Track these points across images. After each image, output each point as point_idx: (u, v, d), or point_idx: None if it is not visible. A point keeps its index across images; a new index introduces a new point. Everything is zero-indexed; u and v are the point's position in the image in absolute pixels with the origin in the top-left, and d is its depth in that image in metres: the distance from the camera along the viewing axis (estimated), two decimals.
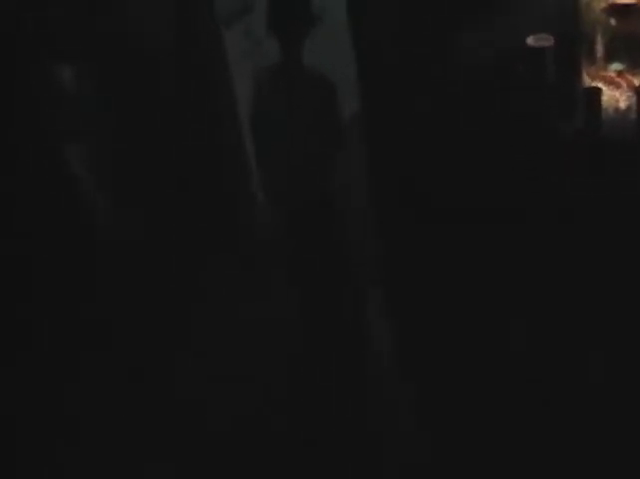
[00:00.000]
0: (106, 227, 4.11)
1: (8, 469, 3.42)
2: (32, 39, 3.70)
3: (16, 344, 3.60)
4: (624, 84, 3.28)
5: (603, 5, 3.30)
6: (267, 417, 3.66)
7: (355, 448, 3.57)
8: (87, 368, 3.72)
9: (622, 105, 3.24)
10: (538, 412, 3.35)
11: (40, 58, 3.77)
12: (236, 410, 3.71)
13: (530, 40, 3.22)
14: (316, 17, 3.64)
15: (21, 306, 3.61)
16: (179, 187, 4.25)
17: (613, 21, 3.29)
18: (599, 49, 3.32)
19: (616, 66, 3.32)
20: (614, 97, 3.26)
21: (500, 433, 3.37)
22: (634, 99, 3.17)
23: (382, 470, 3.51)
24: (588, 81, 3.31)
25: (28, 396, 3.58)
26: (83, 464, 3.48)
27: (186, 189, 4.27)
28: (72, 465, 3.47)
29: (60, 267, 3.73)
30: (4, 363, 3.55)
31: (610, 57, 3.32)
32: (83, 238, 3.95)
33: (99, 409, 3.66)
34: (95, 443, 3.56)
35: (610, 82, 3.30)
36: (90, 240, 4.00)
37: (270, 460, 3.50)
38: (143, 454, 3.53)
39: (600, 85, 3.26)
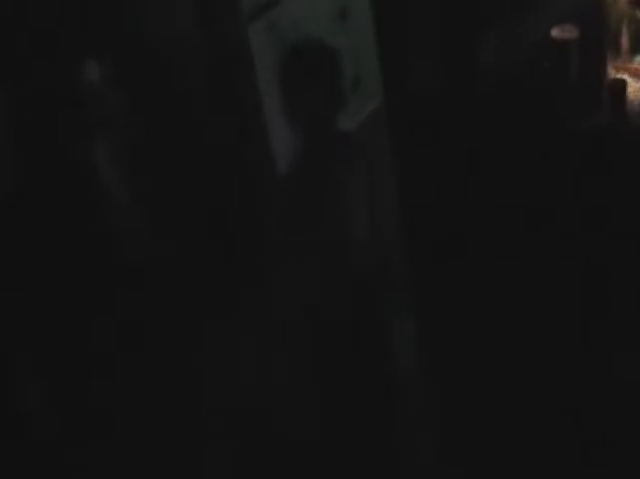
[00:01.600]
0: (121, 223, 4.15)
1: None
2: (54, 32, 3.74)
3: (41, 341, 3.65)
4: None
5: None
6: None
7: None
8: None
9: None
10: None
11: (64, 51, 3.81)
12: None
13: (555, 32, 3.22)
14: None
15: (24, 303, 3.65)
16: (197, 185, 4.26)
17: (639, 13, 3.28)
18: (624, 41, 3.31)
19: None
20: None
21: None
22: None
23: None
24: (613, 73, 3.30)
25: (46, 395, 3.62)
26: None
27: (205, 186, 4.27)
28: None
29: (72, 264, 3.77)
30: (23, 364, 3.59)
31: (635, 49, 3.31)
32: (100, 232, 3.98)
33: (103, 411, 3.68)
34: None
35: (635, 74, 3.28)
36: (106, 235, 4.04)
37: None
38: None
39: (625, 77, 3.25)
